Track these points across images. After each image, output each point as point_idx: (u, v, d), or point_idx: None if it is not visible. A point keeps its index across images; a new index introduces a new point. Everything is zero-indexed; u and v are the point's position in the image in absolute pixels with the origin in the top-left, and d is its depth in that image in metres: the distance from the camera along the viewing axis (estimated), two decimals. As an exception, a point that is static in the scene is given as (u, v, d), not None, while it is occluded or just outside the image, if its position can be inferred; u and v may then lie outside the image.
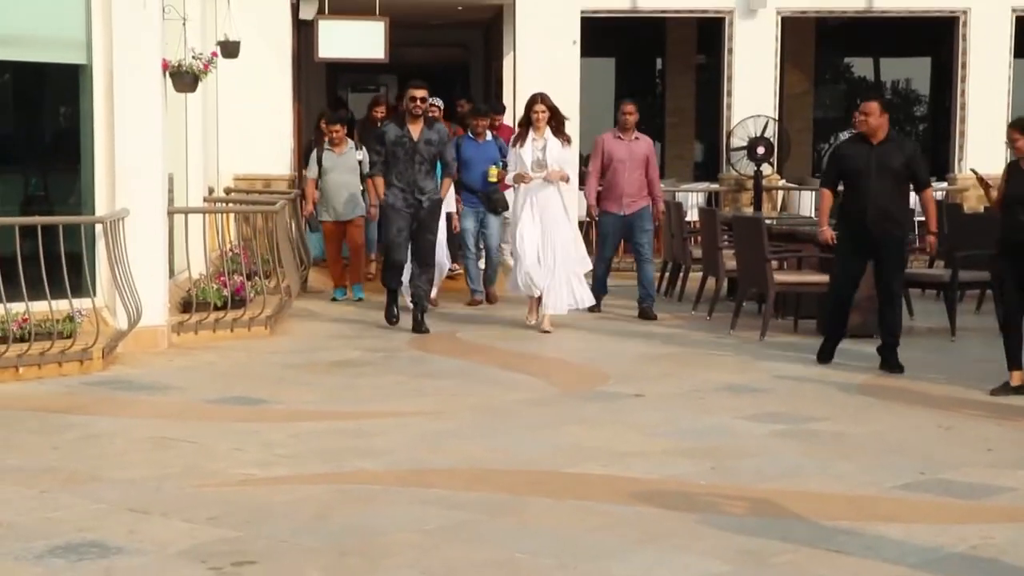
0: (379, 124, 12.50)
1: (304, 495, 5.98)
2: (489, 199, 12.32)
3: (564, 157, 10.79)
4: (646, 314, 11.71)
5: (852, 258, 9.28)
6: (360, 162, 12.58)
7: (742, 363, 9.52)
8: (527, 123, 10.79)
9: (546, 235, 10.67)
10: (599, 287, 12.01)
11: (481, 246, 12.76)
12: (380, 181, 10.73)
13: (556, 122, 10.78)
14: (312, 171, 12.91)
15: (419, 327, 10.69)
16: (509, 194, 11.58)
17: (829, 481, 6.31)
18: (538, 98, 10.83)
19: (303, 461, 6.62)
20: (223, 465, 6.52)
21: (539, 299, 10.83)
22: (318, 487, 6.13)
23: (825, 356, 9.43)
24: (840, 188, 9.45)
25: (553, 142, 10.72)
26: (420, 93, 10.65)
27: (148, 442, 7.05)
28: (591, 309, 11.47)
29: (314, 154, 12.99)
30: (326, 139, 12.91)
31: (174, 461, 6.59)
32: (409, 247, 10.77)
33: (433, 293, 11.69)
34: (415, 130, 10.66)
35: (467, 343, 10.33)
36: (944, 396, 8.29)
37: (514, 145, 10.88)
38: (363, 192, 12.47)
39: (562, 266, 10.68)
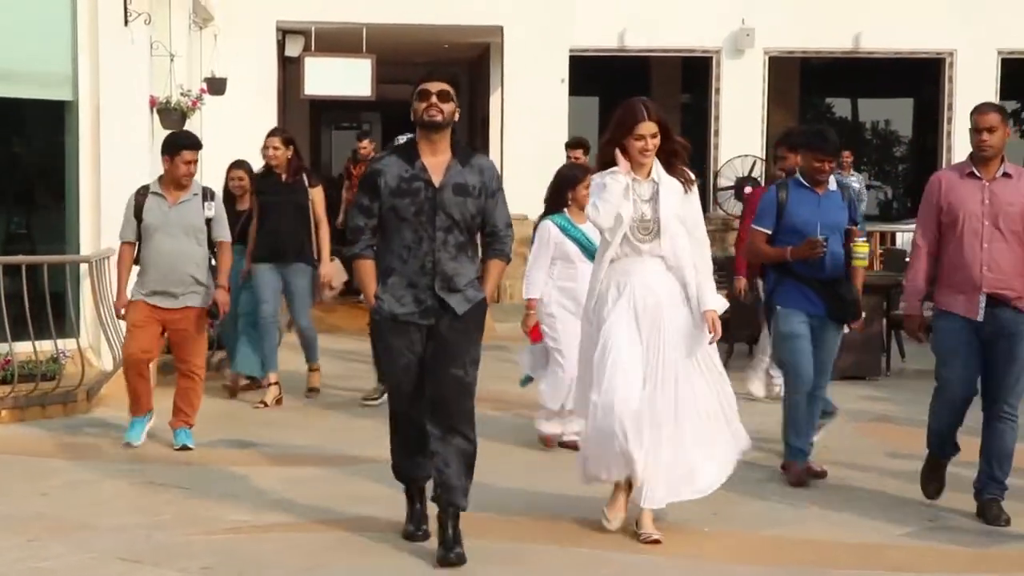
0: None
1: (298, 543, 5.85)
2: (840, 299, 7.07)
3: (693, 214, 6.04)
4: (989, 514, 6.39)
5: None
6: (209, 221, 7.87)
7: (736, 406, 9.38)
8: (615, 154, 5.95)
9: (653, 363, 5.96)
10: (942, 451, 6.68)
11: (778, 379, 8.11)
12: (370, 267, 5.74)
13: (671, 152, 5.99)
14: (127, 231, 7.92)
15: (448, 551, 5.63)
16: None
17: (833, 528, 6.21)
18: (640, 109, 5.91)
19: (296, 508, 6.48)
20: (215, 512, 6.38)
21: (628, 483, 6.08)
22: (313, 535, 6.00)
23: None
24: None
25: (669, 185, 5.96)
26: (438, 87, 5.61)
27: (137, 488, 6.91)
28: (928, 495, 6.78)
29: (132, 202, 7.91)
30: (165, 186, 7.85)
31: (164, 508, 6.45)
32: (419, 391, 5.85)
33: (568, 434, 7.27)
34: (436, 165, 5.67)
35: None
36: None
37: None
38: (210, 266, 7.99)
39: (678, 427, 6.01)
